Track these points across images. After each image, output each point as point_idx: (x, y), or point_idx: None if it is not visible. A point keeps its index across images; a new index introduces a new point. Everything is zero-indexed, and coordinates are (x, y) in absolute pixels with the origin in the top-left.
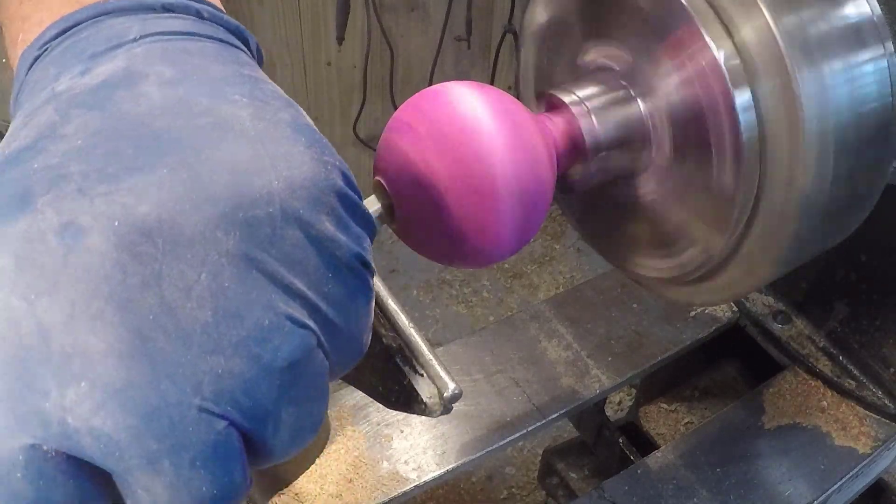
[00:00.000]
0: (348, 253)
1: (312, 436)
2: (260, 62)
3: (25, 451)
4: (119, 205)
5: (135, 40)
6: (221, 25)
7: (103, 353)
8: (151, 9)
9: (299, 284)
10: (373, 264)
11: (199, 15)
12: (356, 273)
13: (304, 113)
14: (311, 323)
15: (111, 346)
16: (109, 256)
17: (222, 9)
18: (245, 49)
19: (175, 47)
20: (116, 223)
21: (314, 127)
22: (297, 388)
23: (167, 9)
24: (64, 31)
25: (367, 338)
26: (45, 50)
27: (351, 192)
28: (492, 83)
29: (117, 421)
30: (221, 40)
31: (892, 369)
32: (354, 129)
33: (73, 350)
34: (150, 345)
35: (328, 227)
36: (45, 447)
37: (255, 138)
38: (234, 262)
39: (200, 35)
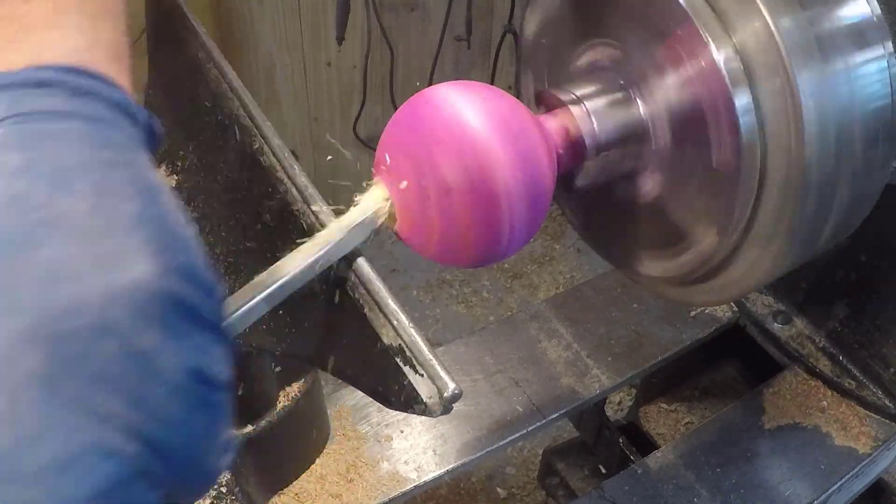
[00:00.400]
0: (181, 367)
1: None
2: (150, 137)
3: None
4: None
5: None
6: (101, 99)
7: None
8: (25, 84)
9: (114, 405)
10: (222, 378)
11: (75, 91)
12: (192, 389)
13: (165, 198)
14: (130, 447)
15: None
16: None
17: (117, 83)
18: (126, 125)
19: (32, 130)
20: None
21: (166, 216)
22: None
23: (42, 84)
24: None
25: (217, 461)
26: None
27: (194, 298)
28: (492, 83)
29: None
30: (96, 118)
31: (892, 369)
32: (354, 129)
33: None
34: None
35: (155, 338)
36: None
37: (82, 235)
38: (35, 385)
39: (70, 113)
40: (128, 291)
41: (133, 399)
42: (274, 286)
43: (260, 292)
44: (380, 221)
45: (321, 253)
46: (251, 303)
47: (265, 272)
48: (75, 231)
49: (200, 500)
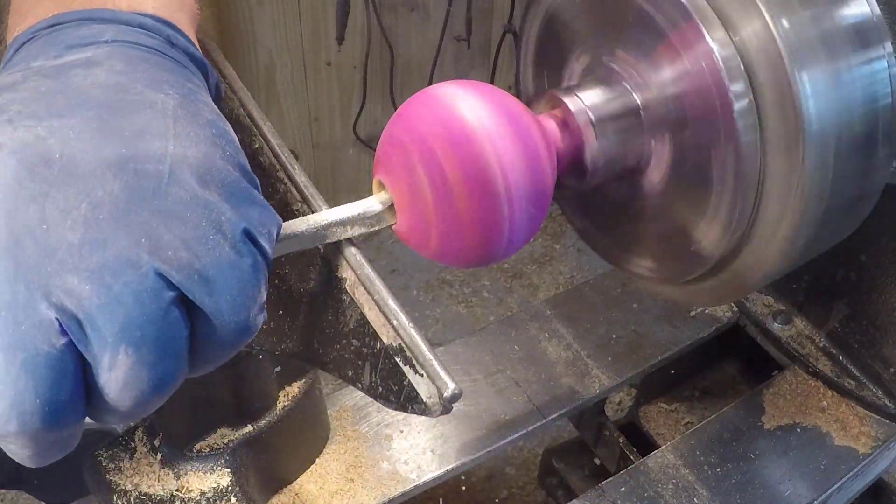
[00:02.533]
0: (233, 224)
1: (152, 395)
2: (216, 96)
3: None
4: (34, 135)
5: (106, 41)
6: (187, 54)
7: None
8: (128, 23)
9: (171, 238)
10: (267, 247)
11: (168, 40)
12: (241, 244)
13: (229, 127)
14: (175, 275)
15: None
16: (12, 170)
17: (195, 45)
18: (202, 78)
19: (135, 54)
20: (26, 146)
21: (230, 131)
22: (143, 331)
23: (142, 26)
24: (52, 26)
25: (255, 315)
26: (34, 37)
27: (245, 183)
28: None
29: None
30: (180, 62)
31: (892, 369)
32: (354, 129)
33: None
34: (19, 249)
35: (215, 196)
36: None
37: (170, 116)
38: (114, 202)
39: (163, 53)
40: (201, 158)
41: (189, 237)
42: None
43: None
44: (378, 215)
45: (310, 226)
46: None
47: None
48: (163, 113)
49: (201, 500)
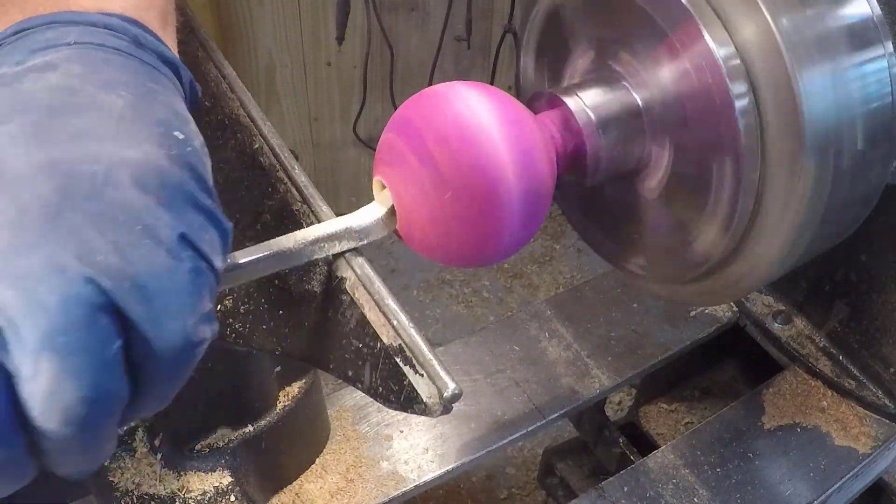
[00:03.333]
0: (171, 230)
1: (81, 407)
2: (191, 95)
3: None
4: None
5: (68, 44)
6: (156, 53)
7: None
8: (94, 24)
9: (103, 243)
10: (210, 255)
11: (136, 40)
12: (180, 251)
13: (192, 125)
14: (104, 281)
15: None
16: None
17: (167, 43)
18: (173, 78)
19: (97, 56)
20: None
21: (188, 130)
22: (68, 337)
23: (108, 27)
24: (17, 32)
25: (193, 326)
26: (1, 45)
27: (192, 186)
28: (492, 83)
29: None
30: (148, 64)
31: (892, 369)
32: (354, 129)
33: None
34: None
35: (151, 201)
36: None
37: (115, 118)
38: (44, 205)
39: (129, 55)
40: (141, 160)
41: (123, 243)
42: (258, 255)
43: (244, 257)
44: (379, 226)
45: (315, 236)
46: (229, 260)
47: (255, 246)
48: (108, 115)
49: (202, 501)
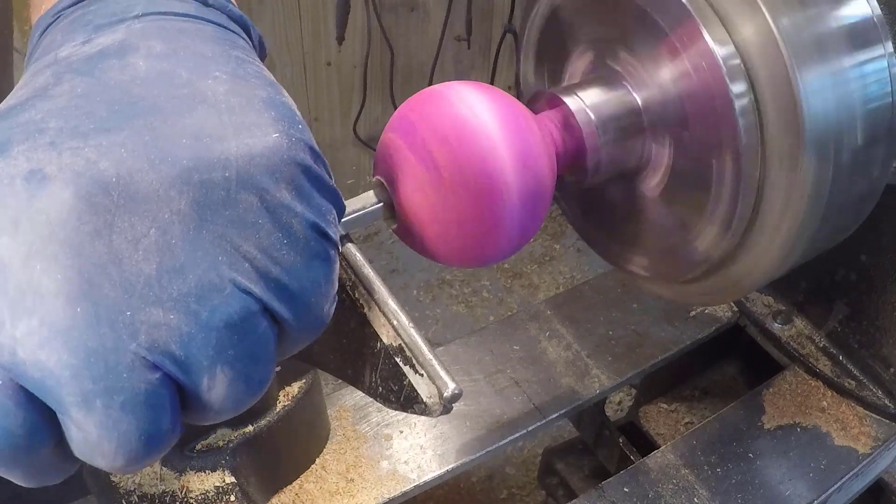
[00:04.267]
0: (305, 222)
1: (251, 399)
2: (262, 54)
3: None
4: (83, 159)
5: (137, 17)
6: (224, 13)
7: (53, 293)
8: None
9: (249, 248)
10: (335, 237)
11: (203, 1)
12: (313, 242)
13: (285, 93)
14: (256, 288)
15: (60, 288)
16: (68, 204)
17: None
18: (245, 37)
19: (172, 26)
20: (78, 175)
21: (290, 104)
22: (236, 349)
23: None
24: (76, 3)
25: (329, 308)
26: (58, 18)
27: (315, 166)
28: (492, 83)
29: (60, 358)
30: (221, 25)
31: (892, 369)
32: (354, 129)
33: (27, 287)
34: (96, 290)
35: (285, 195)
36: None
37: (224, 110)
38: (185, 221)
39: (200, 18)
40: (266, 153)
41: (265, 245)
42: None
43: None
44: (377, 222)
45: None
46: None
47: None
48: (215, 106)
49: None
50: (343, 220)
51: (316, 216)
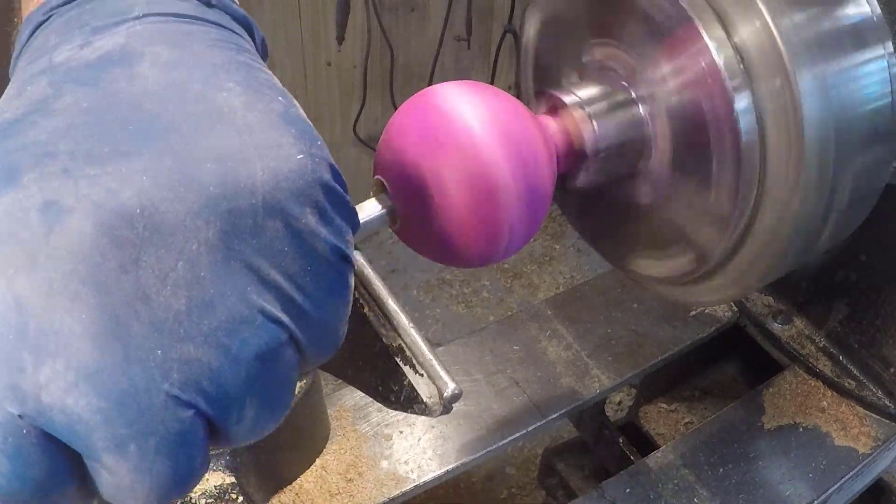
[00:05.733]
0: (329, 247)
1: (275, 424)
2: (264, 55)
3: (2, 425)
4: (103, 188)
5: (137, 18)
6: (227, 13)
7: (79, 334)
8: None
9: (276, 276)
10: (352, 257)
11: (205, 0)
12: (335, 267)
13: (296, 103)
14: (284, 317)
15: (86, 328)
16: (90, 239)
17: None
18: (249, 39)
19: (175, 29)
20: (99, 207)
21: (304, 118)
22: (264, 379)
23: None
24: (68, 1)
25: (344, 329)
26: (50, 17)
27: (337, 186)
28: (492, 83)
29: (89, 402)
30: (224, 27)
31: (892, 369)
32: (354, 129)
33: (49, 329)
34: (123, 329)
35: (311, 220)
36: (20, 422)
37: (244, 128)
38: (213, 252)
39: (203, 20)
40: (292, 176)
41: (292, 272)
42: None
43: None
44: (378, 224)
45: None
46: None
47: None
48: (234, 124)
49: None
50: None
51: (337, 239)
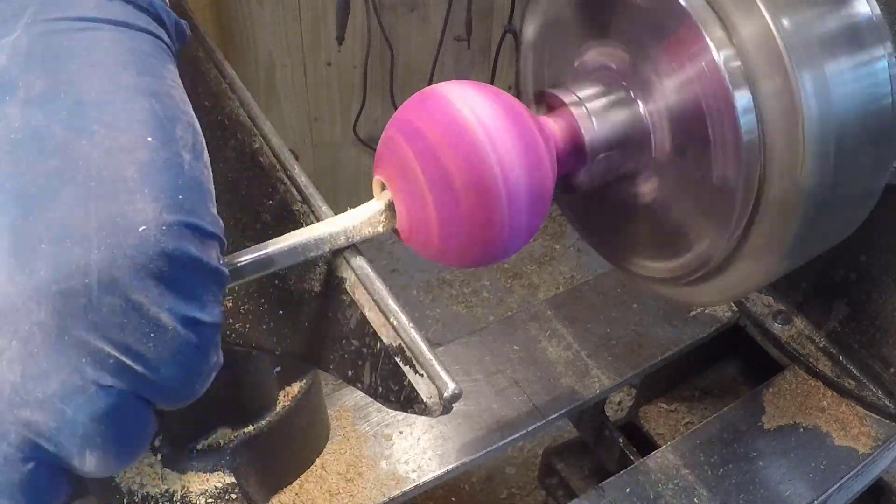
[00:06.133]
0: (173, 315)
1: (124, 465)
2: (181, 36)
3: None
4: None
5: (27, 24)
6: (130, 3)
7: None
8: None
9: (111, 349)
10: (212, 317)
11: None
12: (182, 332)
13: (179, 134)
14: (120, 384)
15: None
16: None
17: None
18: (159, 28)
19: (63, 44)
20: None
21: (178, 161)
22: (104, 434)
23: None
24: None
25: (201, 385)
26: None
27: (190, 249)
28: (492, 83)
29: None
30: (123, 24)
31: (892, 369)
32: (354, 129)
33: None
34: None
35: (152, 291)
36: None
37: (93, 192)
38: (45, 331)
39: (99, 20)
40: (133, 252)
41: (130, 342)
42: (258, 253)
43: (244, 257)
44: (379, 225)
45: (311, 236)
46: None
47: (254, 245)
48: (86, 184)
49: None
50: (349, 226)
51: (186, 305)
